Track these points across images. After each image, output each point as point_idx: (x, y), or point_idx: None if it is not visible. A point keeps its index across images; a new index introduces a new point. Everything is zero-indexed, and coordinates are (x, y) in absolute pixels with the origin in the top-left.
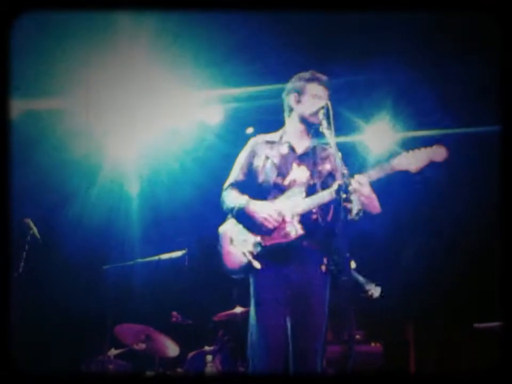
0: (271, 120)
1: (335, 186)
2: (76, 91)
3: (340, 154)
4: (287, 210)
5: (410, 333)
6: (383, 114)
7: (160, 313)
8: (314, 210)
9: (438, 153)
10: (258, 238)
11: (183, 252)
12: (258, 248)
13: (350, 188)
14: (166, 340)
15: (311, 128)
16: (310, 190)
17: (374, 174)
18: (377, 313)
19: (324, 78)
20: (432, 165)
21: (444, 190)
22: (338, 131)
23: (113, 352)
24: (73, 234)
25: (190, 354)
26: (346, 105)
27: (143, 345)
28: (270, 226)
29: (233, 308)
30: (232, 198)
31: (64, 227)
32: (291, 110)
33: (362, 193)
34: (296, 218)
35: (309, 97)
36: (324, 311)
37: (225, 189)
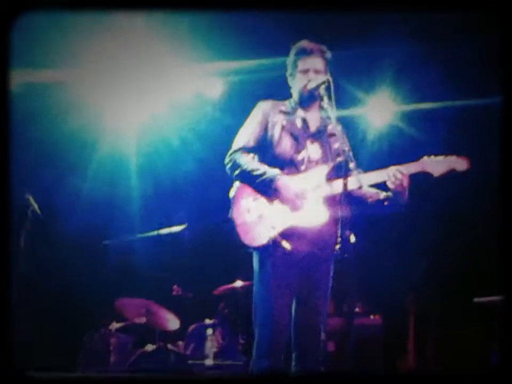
0: (274, 92)
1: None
2: (74, 63)
3: (339, 127)
4: (311, 191)
5: (410, 304)
6: (384, 87)
7: (160, 287)
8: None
9: (460, 163)
10: (280, 215)
11: (183, 226)
12: (281, 226)
13: (350, 165)
14: (167, 313)
15: (311, 102)
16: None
17: (409, 168)
18: (376, 286)
19: (317, 48)
20: None
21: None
22: (339, 105)
23: (114, 325)
24: (73, 209)
25: (191, 328)
26: (347, 78)
27: (143, 319)
28: (299, 204)
29: (233, 282)
30: (252, 164)
31: (64, 202)
32: (290, 86)
33: (402, 184)
34: (321, 201)
35: (299, 73)
36: (329, 285)
37: (235, 152)
